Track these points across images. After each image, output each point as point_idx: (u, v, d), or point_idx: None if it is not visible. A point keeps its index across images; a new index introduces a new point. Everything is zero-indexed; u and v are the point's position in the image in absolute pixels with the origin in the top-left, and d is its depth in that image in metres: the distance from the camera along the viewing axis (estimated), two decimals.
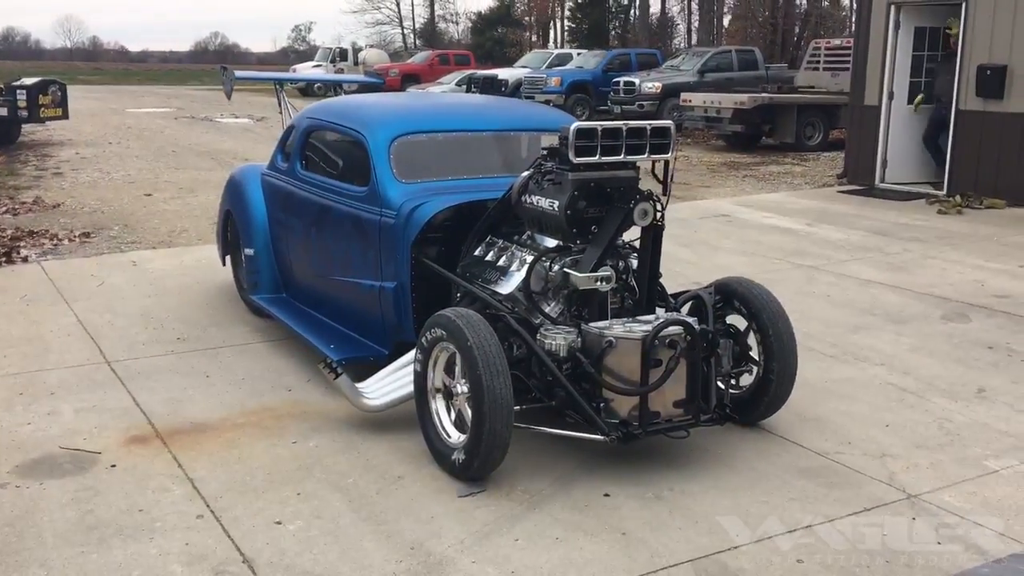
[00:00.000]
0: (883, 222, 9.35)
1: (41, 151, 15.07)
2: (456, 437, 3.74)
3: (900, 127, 11.34)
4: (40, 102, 15.02)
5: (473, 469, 3.59)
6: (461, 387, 3.67)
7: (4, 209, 9.72)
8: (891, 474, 3.78)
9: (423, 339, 3.82)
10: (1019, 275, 7.10)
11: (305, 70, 35.73)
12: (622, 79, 21.25)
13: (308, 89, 31.05)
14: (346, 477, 3.74)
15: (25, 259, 7.49)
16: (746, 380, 4.15)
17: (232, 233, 6.16)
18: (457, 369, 3.69)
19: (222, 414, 4.36)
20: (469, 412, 3.59)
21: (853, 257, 7.76)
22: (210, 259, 7.29)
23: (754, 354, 4.09)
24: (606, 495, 3.57)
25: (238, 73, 8.32)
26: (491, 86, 24.59)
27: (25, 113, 14.95)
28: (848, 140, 12.60)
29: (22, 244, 7.95)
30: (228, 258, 6.35)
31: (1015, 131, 10.03)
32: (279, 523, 3.37)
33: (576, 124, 3.76)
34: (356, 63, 37.35)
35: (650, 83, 20.60)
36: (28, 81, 15.24)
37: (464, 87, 25.68)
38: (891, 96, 11.26)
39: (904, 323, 5.86)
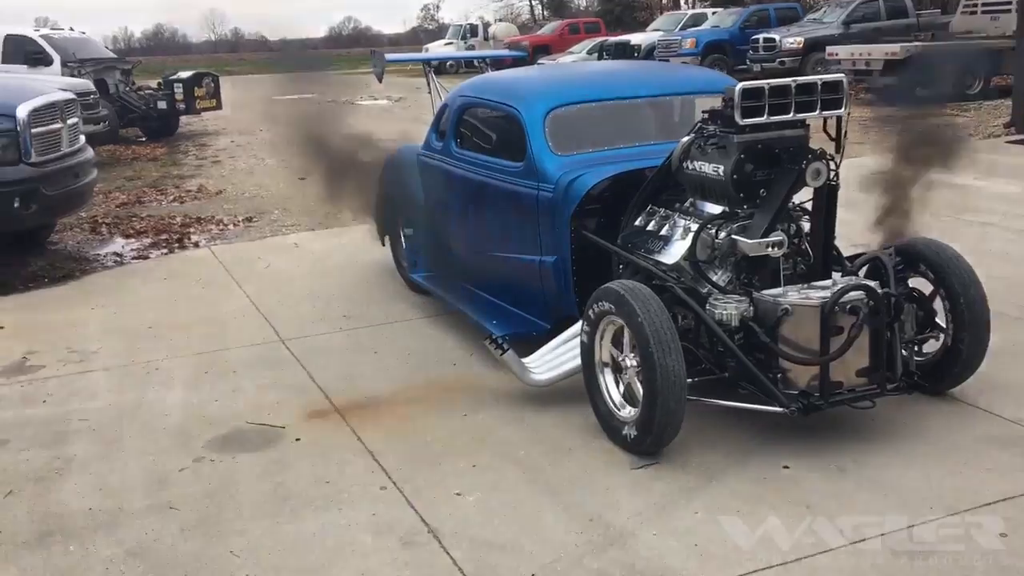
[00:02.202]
0: None
1: (199, 141, 15.87)
2: (627, 411, 3.70)
3: None
4: (196, 94, 15.84)
5: (646, 445, 3.56)
6: (630, 360, 3.63)
7: (172, 198, 10.30)
8: None
9: (590, 312, 3.80)
10: None
11: (437, 48, 36.18)
12: (761, 36, 20.58)
13: (441, 68, 31.45)
14: (518, 449, 3.79)
15: (196, 244, 7.91)
16: (930, 346, 3.95)
17: (390, 213, 6.28)
18: (625, 342, 3.65)
19: (393, 388, 4.49)
20: (639, 386, 3.56)
21: None
22: (364, 238, 7.52)
23: (939, 320, 3.88)
24: (785, 467, 3.49)
25: (388, 56, 8.39)
26: (623, 52, 24.25)
27: (182, 105, 15.79)
28: (1015, 86, 11.77)
29: (191, 230, 8.41)
30: (387, 238, 6.46)
31: None
32: (459, 494, 3.45)
33: (742, 84, 3.64)
34: (486, 38, 37.54)
35: (791, 38, 19.84)
36: (184, 74, 16.08)
37: (596, 55, 25.43)
38: None
39: None
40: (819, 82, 3.67)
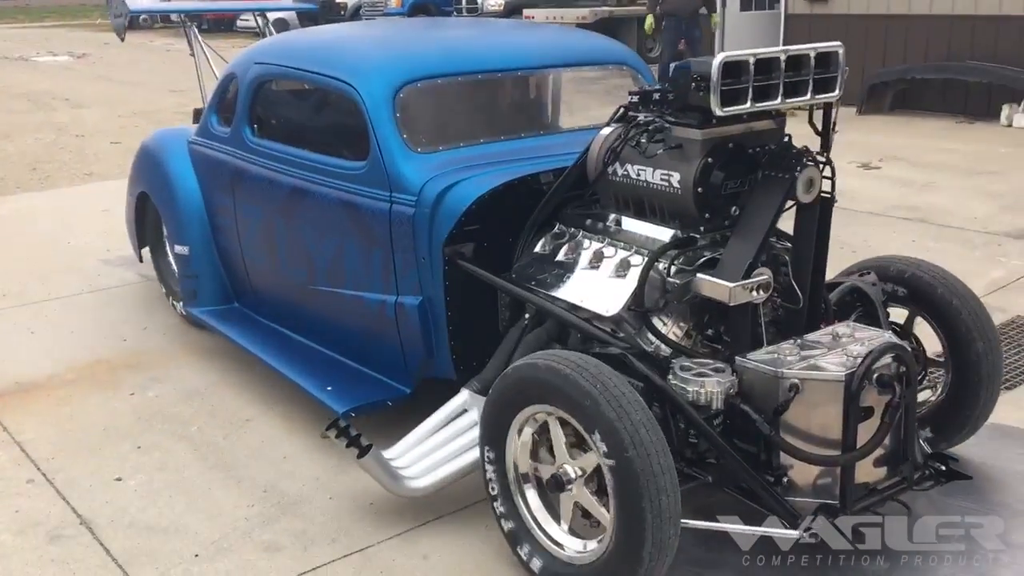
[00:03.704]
0: None
1: None
2: (577, 547, 2.52)
3: (734, 34, 11.61)
4: None
5: None
6: (572, 469, 2.46)
7: None
8: None
9: (496, 404, 2.59)
10: (851, 172, 7.42)
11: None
12: None
13: (134, 22, 28.78)
14: (190, 426, 3.56)
15: None
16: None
17: (153, 224, 4.74)
18: (559, 445, 2.49)
19: (50, 371, 4.07)
20: (591, 511, 2.47)
21: None
22: (30, 208, 6.81)
23: (939, 362, 3.03)
24: None
25: (133, 6, 5.76)
26: (328, 11, 23.63)
27: None
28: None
29: None
30: (148, 252, 4.93)
31: (840, 32, 10.40)
32: (119, 480, 3.18)
33: (723, 56, 2.46)
34: None
35: (493, 0, 20.25)
36: None
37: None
38: (724, 3, 11.49)
39: None
40: (812, 54, 2.61)
